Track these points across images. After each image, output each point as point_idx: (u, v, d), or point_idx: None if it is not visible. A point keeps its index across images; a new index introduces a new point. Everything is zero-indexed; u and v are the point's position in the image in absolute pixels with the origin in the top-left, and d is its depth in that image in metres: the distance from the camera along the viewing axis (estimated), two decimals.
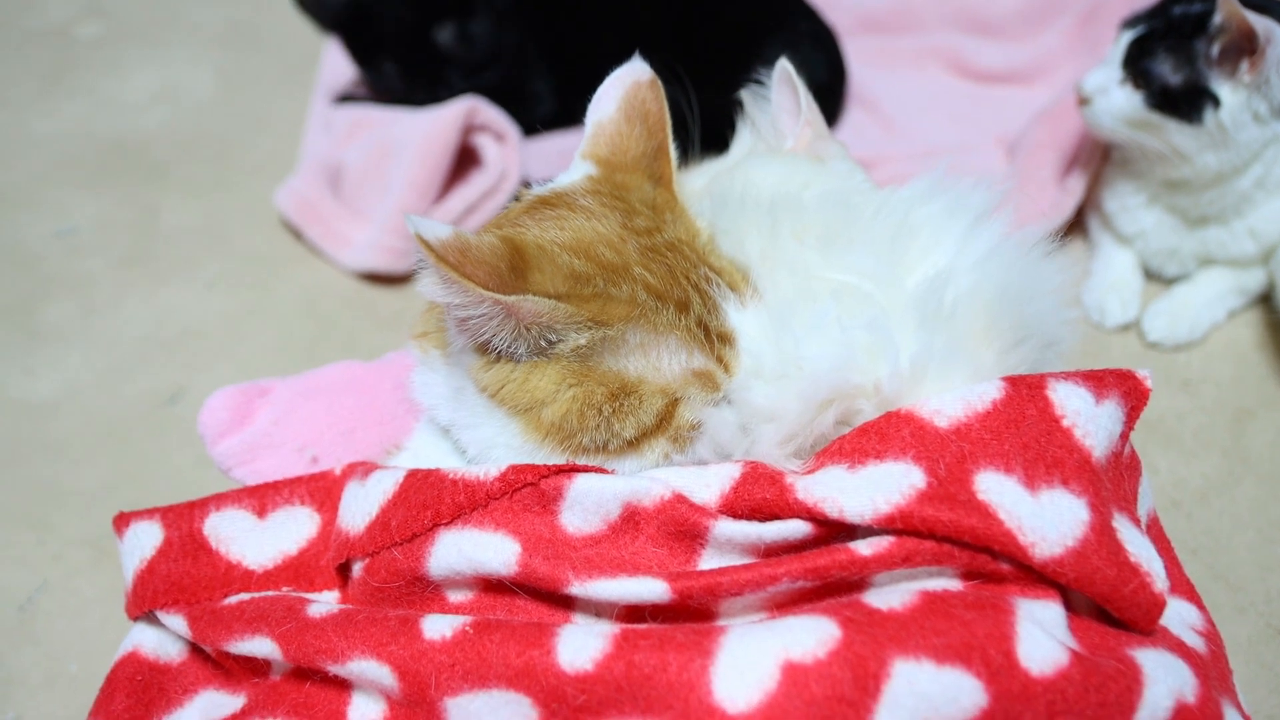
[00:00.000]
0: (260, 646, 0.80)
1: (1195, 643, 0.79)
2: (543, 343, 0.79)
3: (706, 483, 0.79)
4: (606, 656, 0.69)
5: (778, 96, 1.09)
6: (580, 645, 0.71)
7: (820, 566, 0.73)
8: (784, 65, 1.07)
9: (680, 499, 0.77)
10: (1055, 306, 0.88)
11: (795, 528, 0.76)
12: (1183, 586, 0.88)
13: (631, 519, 0.77)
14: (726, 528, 0.76)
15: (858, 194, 0.97)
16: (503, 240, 0.78)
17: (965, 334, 0.83)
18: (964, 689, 0.67)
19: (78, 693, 1.14)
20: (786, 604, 0.75)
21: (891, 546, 0.73)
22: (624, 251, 0.83)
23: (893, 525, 0.73)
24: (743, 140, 1.14)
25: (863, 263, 0.85)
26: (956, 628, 0.68)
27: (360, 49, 1.92)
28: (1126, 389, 0.82)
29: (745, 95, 1.12)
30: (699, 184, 1.08)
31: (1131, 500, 0.84)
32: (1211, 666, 0.78)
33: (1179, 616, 0.83)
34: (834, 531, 0.76)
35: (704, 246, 0.89)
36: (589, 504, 0.77)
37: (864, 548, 0.73)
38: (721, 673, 0.67)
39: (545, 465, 0.79)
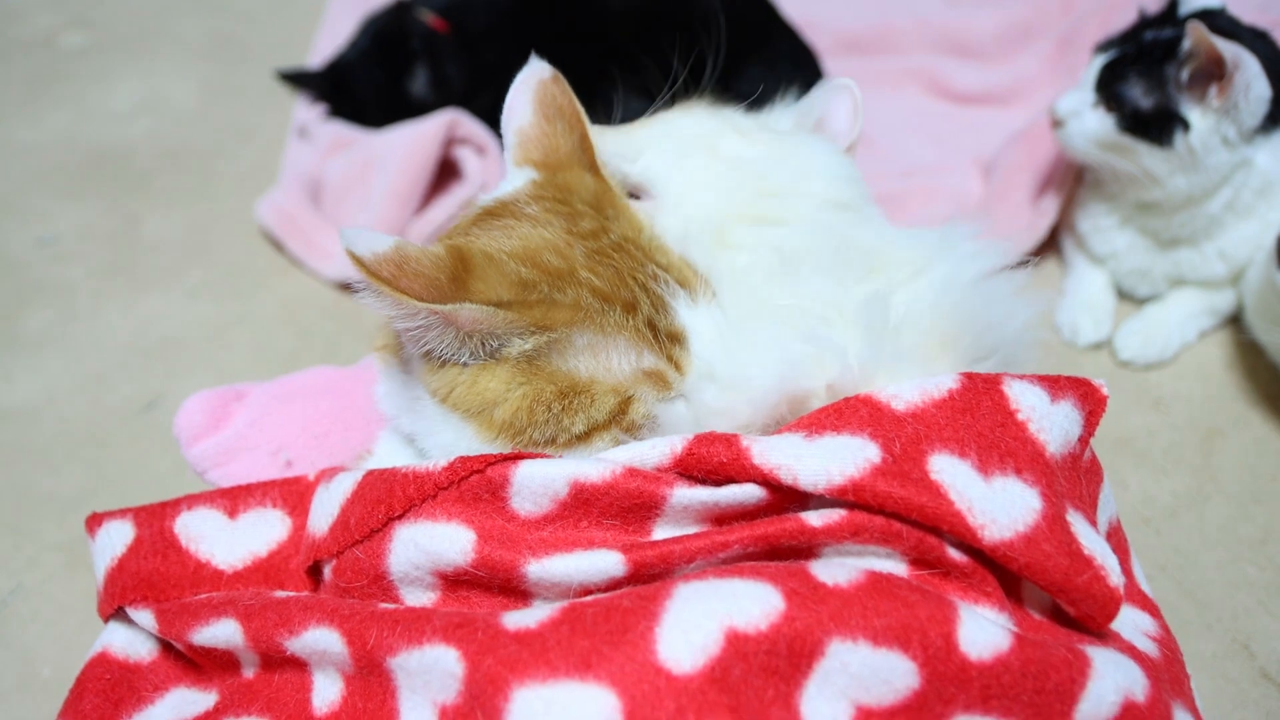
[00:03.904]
0: (223, 629, 0.80)
1: (1148, 647, 0.80)
2: (488, 348, 0.80)
3: (653, 444, 0.79)
4: (552, 619, 0.69)
5: (834, 102, 1.10)
6: (526, 614, 0.71)
7: (770, 534, 0.74)
8: (848, 83, 1.09)
9: (631, 472, 0.77)
10: (1020, 331, 0.89)
11: (749, 492, 0.76)
12: (1137, 596, 0.89)
13: (580, 495, 0.77)
14: (683, 495, 0.77)
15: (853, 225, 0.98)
16: (449, 250, 0.79)
17: (917, 345, 0.84)
18: (897, 671, 0.68)
19: (50, 697, 1.13)
20: (735, 561, 0.76)
21: (841, 520, 0.73)
22: (570, 256, 0.83)
23: (844, 497, 0.73)
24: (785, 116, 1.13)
25: (819, 286, 0.87)
26: (899, 608, 0.69)
27: (346, 115, 1.97)
28: (1082, 393, 0.83)
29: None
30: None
31: (1090, 504, 0.85)
32: (1165, 670, 0.79)
33: (1132, 623, 0.84)
34: (787, 499, 0.77)
35: (649, 243, 0.90)
36: (535, 486, 0.77)
37: (814, 518, 0.74)
38: (667, 635, 0.67)
39: (490, 454, 0.79)
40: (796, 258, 0.89)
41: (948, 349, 0.84)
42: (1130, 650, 0.77)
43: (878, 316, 0.83)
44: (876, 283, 0.87)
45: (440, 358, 0.82)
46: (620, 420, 0.83)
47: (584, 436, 0.83)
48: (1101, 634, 0.78)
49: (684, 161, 1.01)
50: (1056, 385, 0.82)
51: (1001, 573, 0.76)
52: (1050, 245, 1.70)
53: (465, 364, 0.82)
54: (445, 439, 0.85)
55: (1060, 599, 0.75)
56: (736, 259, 0.92)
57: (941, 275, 0.88)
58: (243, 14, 2.58)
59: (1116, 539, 0.91)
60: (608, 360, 0.83)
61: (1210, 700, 1.09)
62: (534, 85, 0.95)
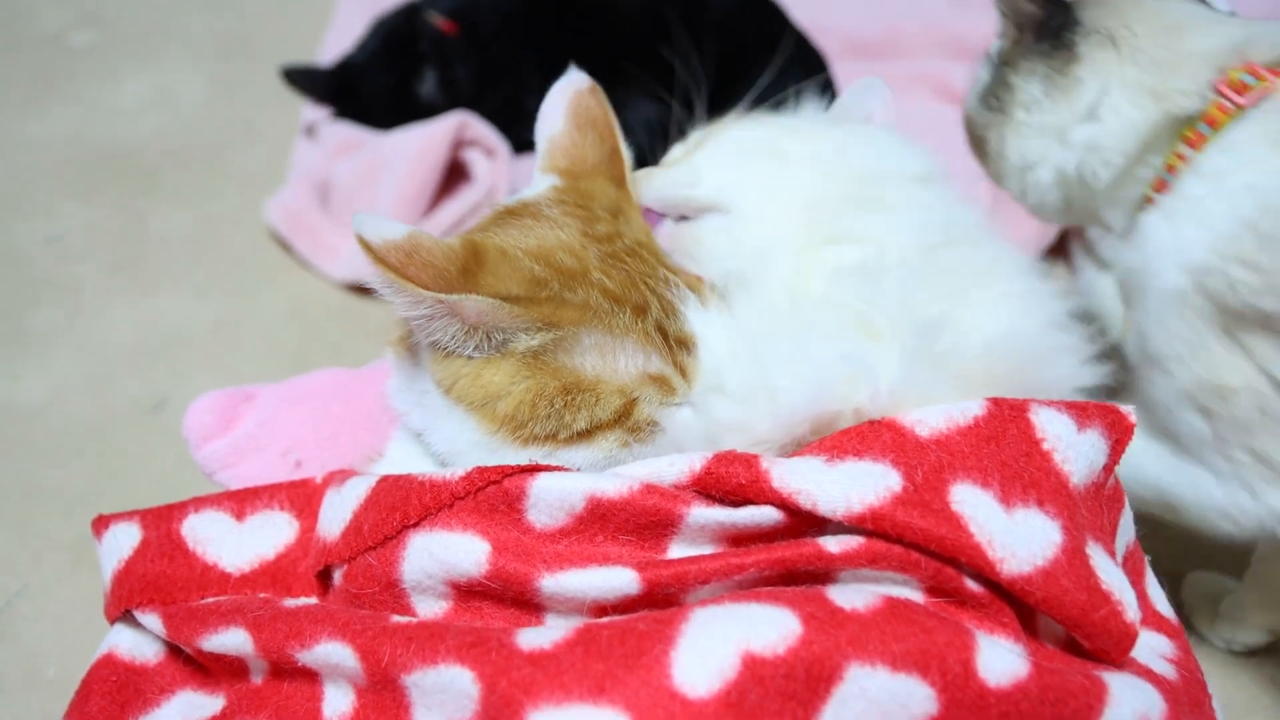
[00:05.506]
0: (233, 638, 0.80)
1: (1165, 670, 0.79)
2: (494, 341, 0.80)
3: (671, 461, 0.78)
4: (566, 640, 0.68)
5: (872, 101, 1.02)
6: (540, 633, 0.70)
7: (787, 558, 0.73)
8: (877, 82, 1.01)
9: (648, 488, 0.76)
10: (1066, 387, 0.87)
11: (767, 514, 0.75)
12: (1153, 618, 0.88)
13: (596, 510, 0.76)
14: (700, 514, 0.76)
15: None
16: (463, 243, 0.79)
17: (957, 377, 0.83)
18: (915, 696, 0.67)
19: (55, 696, 1.13)
20: (750, 584, 0.75)
21: (860, 548, 0.73)
22: (584, 257, 0.83)
23: (864, 525, 0.72)
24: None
25: (886, 295, 0.84)
26: (917, 634, 0.68)
27: (354, 116, 1.97)
28: (1109, 421, 0.82)
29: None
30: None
31: (1110, 533, 0.84)
32: (1184, 693, 0.78)
33: (1148, 647, 0.83)
34: (805, 522, 0.76)
35: (661, 248, 0.89)
36: (552, 499, 0.77)
37: (832, 544, 0.73)
38: (682, 658, 0.66)
39: (508, 466, 0.79)
40: (891, 263, 0.86)
41: (991, 388, 0.83)
42: (1147, 674, 0.76)
43: (923, 342, 0.82)
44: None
45: (446, 349, 0.82)
46: (624, 421, 0.82)
47: (586, 434, 0.82)
48: None
49: (753, 169, 0.95)
50: (1084, 413, 0.81)
51: (1017, 604, 0.75)
52: (1059, 250, 1.70)
53: (470, 356, 0.82)
54: (449, 432, 0.85)
55: (1076, 633, 0.74)
56: (845, 254, 0.87)
57: (1008, 317, 0.86)
58: (251, 13, 2.58)
59: (1133, 562, 0.90)
60: (615, 361, 0.82)
61: (1222, 707, 1.09)
62: (570, 95, 0.95)
